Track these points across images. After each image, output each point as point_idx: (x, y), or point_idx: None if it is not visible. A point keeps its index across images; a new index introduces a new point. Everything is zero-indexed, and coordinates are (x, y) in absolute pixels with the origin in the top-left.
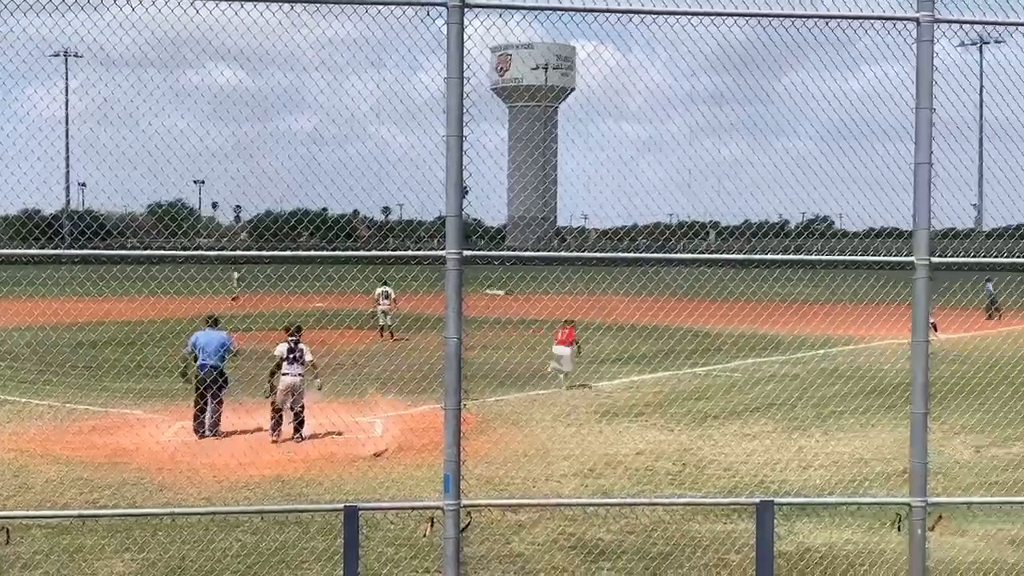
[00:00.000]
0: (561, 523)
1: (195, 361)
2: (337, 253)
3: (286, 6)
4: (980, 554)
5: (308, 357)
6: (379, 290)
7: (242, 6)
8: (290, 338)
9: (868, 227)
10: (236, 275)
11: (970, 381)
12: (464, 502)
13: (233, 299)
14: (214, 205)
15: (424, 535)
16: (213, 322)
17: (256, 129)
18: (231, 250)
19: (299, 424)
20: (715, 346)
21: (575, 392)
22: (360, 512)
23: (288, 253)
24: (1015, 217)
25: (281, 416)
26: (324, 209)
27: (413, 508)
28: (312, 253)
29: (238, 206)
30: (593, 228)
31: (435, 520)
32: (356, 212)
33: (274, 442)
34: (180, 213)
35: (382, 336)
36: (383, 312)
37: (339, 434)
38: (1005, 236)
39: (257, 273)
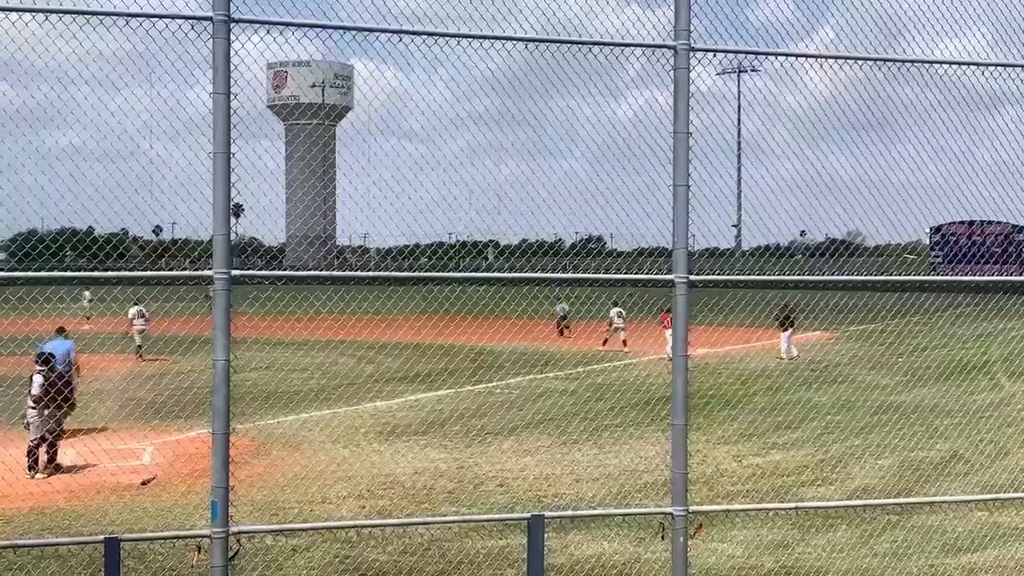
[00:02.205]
0: (337, 546)
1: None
2: (96, 274)
3: (52, 16)
4: (739, 560)
5: (35, 391)
6: (133, 310)
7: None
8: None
9: (638, 246)
10: (87, 294)
11: (727, 393)
12: (233, 529)
13: (87, 319)
14: None
15: (192, 565)
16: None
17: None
18: None
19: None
20: (493, 363)
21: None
22: (123, 543)
23: (44, 274)
24: (768, 238)
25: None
26: (91, 228)
27: (178, 537)
28: (68, 274)
29: None
30: (374, 247)
31: (202, 548)
32: (126, 231)
33: (31, 477)
34: None
35: (142, 359)
36: (139, 332)
37: (104, 464)
38: (757, 255)
39: (103, 295)
